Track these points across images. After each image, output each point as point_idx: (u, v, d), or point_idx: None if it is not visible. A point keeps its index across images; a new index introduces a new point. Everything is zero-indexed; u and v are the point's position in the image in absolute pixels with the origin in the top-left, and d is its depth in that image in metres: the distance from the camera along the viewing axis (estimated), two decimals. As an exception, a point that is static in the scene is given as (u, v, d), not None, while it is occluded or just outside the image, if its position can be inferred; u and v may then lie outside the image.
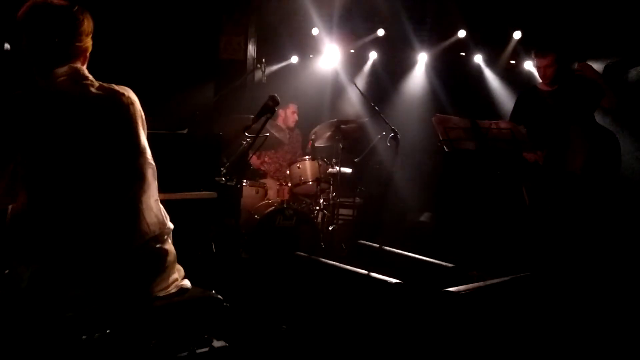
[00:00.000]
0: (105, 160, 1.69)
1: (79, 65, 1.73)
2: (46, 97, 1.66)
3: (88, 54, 1.78)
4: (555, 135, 3.85)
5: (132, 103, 1.74)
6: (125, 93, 1.74)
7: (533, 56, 4.13)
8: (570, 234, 3.77)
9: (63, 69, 1.68)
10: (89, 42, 1.76)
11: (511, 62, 6.62)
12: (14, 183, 1.65)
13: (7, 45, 4.67)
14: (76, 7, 1.72)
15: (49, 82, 1.68)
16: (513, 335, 2.52)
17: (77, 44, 1.72)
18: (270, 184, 5.05)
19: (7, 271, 1.68)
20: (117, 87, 1.74)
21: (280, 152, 5.47)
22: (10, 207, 1.70)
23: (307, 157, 4.91)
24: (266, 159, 5.43)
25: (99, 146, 1.68)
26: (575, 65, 3.77)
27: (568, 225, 3.80)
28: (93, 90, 1.70)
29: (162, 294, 1.79)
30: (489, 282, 2.85)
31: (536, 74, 4.20)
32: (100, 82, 1.74)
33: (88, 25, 1.75)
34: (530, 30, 6.15)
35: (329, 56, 6.38)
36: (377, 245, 3.38)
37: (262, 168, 5.36)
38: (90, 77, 1.74)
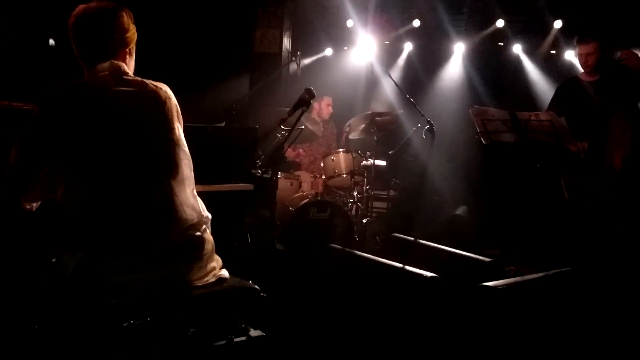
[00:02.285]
0: (142, 152, 1.76)
1: (119, 61, 1.82)
2: (89, 90, 1.74)
3: (130, 50, 1.87)
4: (595, 127, 3.74)
5: (168, 98, 1.84)
6: (163, 88, 1.85)
7: (575, 43, 4.01)
8: (611, 229, 3.66)
9: (104, 65, 1.78)
10: (129, 39, 1.85)
11: (551, 52, 6.44)
12: (55, 178, 1.71)
13: (51, 41, 4.82)
14: (116, 8, 1.82)
15: (92, 76, 1.78)
16: (552, 332, 2.47)
17: (117, 41, 1.81)
18: (305, 177, 5.07)
19: (53, 259, 1.75)
20: (154, 83, 1.84)
21: (315, 145, 5.48)
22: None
23: (341, 149, 4.90)
24: (301, 151, 5.45)
25: (136, 138, 1.76)
26: (619, 53, 3.65)
27: (608, 220, 3.70)
28: (132, 86, 1.79)
29: (200, 283, 1.82)
30: (527, 277, 2.80)
31: (577, 63, 4.08)
32: (139, 78, 1.83)
33: (128, 23, 1.84)
34: (571, 18, 5.96)
35: (364, 48, 6.33)
36: (412, 239, 3.35)
37: (297, 160, 5.39)
38: (130, 73, 1.84)
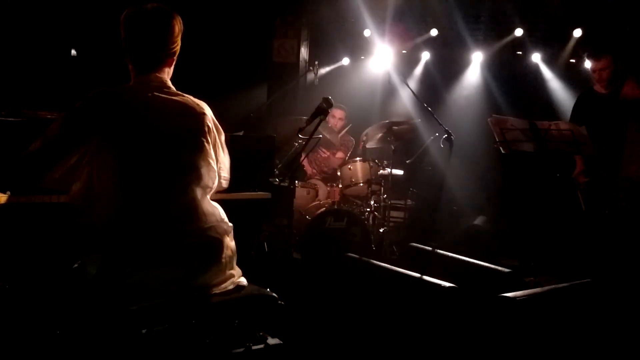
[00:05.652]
0: (171, 158, 1.81)
1: (164, 73, 1.89)
2: (130, 95, 1.81)
3: (174, 59, 1.94)
4: (612, 138, 3.71)
5: (203, 114, 1.91)
6: (200, 104, 1.92)
7: (587, 59, 3.97)
8: (629, 240, 3.61)
9: (152, 76, 1.85)
10: (176, 50, 1.92)
11: (571, 60, 6.38)
12: (72, 173, 1.76)
13: (73, 52, 4.92)
14: (173, 17, 1.87)
15: (138, 84, 1.85)
16: (571, 344, 2.44)
17: (170, 50, 1.88)
18: (321, 185, 5.08)
19: (75, 265, 1.78)
20: (193, 99, 1.92)
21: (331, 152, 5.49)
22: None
23: (358, 158, 4.90)
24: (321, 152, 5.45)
25: (167, 146, 1.81)
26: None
27: (627, 230, 3.65)
28: (172, 98, 1.86)
29: (218, 289, 1.85)
30: (546, 288, 2.77)
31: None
32: (180, 92, 1.90)
33: (178, 34, 1.89)
34: (591, 27, 5.91)
35: (381, 57, 6.35)
36: (430, 248, 3.34)
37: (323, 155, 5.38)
38: (172, 87, 1.91)
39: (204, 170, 1.87)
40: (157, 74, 1.87)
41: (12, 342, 2.14)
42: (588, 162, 3.88)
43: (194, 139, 1.87)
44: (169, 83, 1.90)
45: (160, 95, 1.83)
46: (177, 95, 1.88)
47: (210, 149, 1.91)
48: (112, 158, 1.74)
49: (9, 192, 2.03)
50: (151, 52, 1.84)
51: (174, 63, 1.94)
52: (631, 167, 3.57)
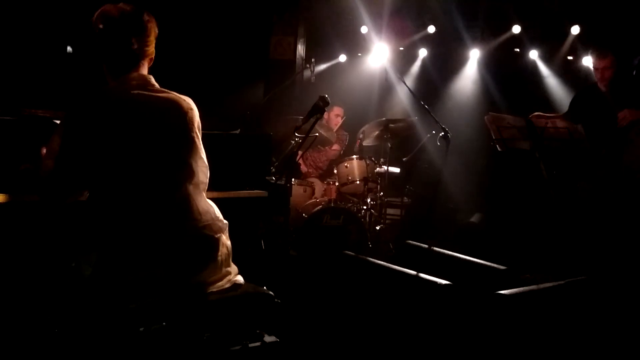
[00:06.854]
0: (162, 156, 1.80)
1: (145, 71, 1.87)
2: (115, 96, 1.78)
3: (151, 59, 1.91)
4: (614, 135, 3.71)
5: (191, 109, 1.89)
6: (187, 100, 1.89)
7: (590, 56, 3.97)
8: (629, 237, 3.63)
9: (133, 75, 1.83)
10: (153, 47, 1.89)
11: (568, 57, 6.39)
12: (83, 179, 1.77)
13: (69, 48, 4.90)
14: (146, 15, 1.85)
15: (120, 84, 1.81)
16: (567, 341, 2.45)
17: (145, 49, 1.86)
18: (318, 183, 5.09)
19: (73, 264, 1.78)
20: (178, 95, 1.89)
21: (325, 150, 5.49)
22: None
23: (354, 156, 4.91)
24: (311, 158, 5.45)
25: (157, 144, 1.79)
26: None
27: (627, 228, 3.66)
28: (157, 95, 1.83)
29: (215, 288, 1.85)
30: (542, 285, 2.77)
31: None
32: (164, 89, 1.88)
33: (155, 31, 1.88)
34: (589, 24, 5.92)
35: (378, 54, 6.35)
36: (426, 246, 3.34)
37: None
38: (156, 84, 1.88)
39: (195, 167, 1.86)
40: (137, 72, 1.84)
41: (10, 340, 2.14)
42: (586, 161, 3.89)
43: (184, 135, 1.85)
44: (152, 80, 1.87)
45: (144, 92, 1.80)
46: (162, 92, 1.86)
47: (200, 144, 1.91)
48: (104, 158, 1.73)
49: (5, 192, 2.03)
50: (127, 50, 1.81)
51: (152, 58, 1.91)
52: (633, 164, 3.58)
